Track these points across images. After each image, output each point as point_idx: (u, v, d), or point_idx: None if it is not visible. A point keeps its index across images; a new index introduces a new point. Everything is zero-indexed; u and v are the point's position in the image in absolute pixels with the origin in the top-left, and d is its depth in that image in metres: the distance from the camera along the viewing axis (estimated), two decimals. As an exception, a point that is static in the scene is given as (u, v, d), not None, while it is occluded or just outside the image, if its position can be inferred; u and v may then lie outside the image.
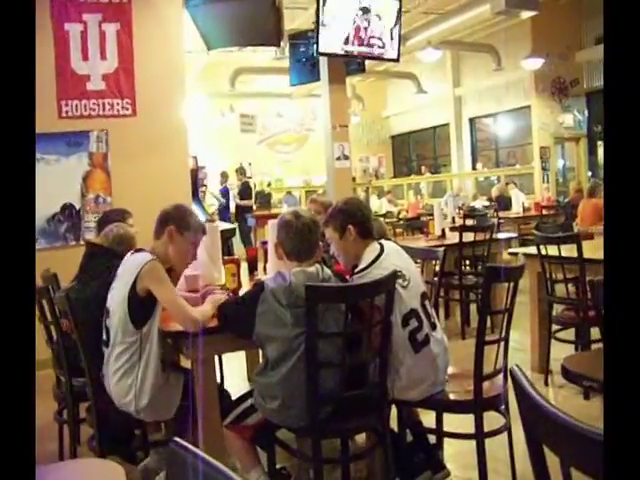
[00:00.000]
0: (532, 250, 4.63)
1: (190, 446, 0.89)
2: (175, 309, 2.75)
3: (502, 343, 2.85)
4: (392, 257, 2.81)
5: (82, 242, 5.68)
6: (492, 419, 2.85)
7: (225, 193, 13.72)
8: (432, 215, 7.74)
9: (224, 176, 14.06)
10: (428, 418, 3.06)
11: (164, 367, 2.86)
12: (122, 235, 3.76)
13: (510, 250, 5.90)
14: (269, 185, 16.75)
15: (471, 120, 17.62)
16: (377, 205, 14.70)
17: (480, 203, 11.92)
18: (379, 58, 8.59)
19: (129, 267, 2.86)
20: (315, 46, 7.88)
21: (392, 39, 8.25)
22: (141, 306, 2.77)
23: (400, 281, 2.69)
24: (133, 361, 2.79)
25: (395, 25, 8.23)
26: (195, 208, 6.46)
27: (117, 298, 2.84)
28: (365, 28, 7.97)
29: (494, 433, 2.83)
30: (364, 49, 8.09)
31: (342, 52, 8.01)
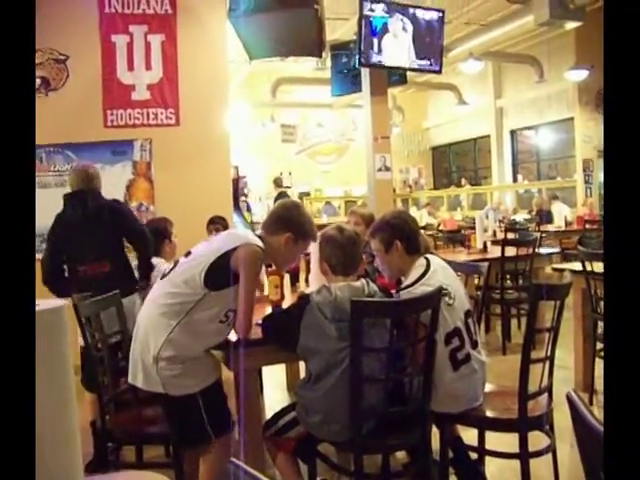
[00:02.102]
0: (577, 266, 4.54)
1: (248, 468, 0.88)
2: (245, 307, 2.65)
3: (547, 362, 2.80)
4: (438, 274, 2.77)
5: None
6: (533, 438, 2.80)
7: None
8: (473, 228, 7.68)
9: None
10: (469, 435, 3.03)
11: (208, 350, 2.78)
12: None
13: (554, 266, 5.77)
14: (306, 195, 16.74)
15: (512, 132, 17.49)
16: (417, 216, 14.62)
17: (521, 216, 11.77)
18: (421, 70, 8.55)
19: (238, 235, 2.79)
20: (357, 57, 7.88)
21: (434, 50, 8.20)
22: (223, 272, 2.61)
23: (446, 299, 2.66)
24: (178, 310, 2.63)
25: (437, 36, 8.19)
26: (235, 218, 6.51)
27: (206, 250, 2.73)
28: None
29: (539, 453, 2.78)
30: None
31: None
